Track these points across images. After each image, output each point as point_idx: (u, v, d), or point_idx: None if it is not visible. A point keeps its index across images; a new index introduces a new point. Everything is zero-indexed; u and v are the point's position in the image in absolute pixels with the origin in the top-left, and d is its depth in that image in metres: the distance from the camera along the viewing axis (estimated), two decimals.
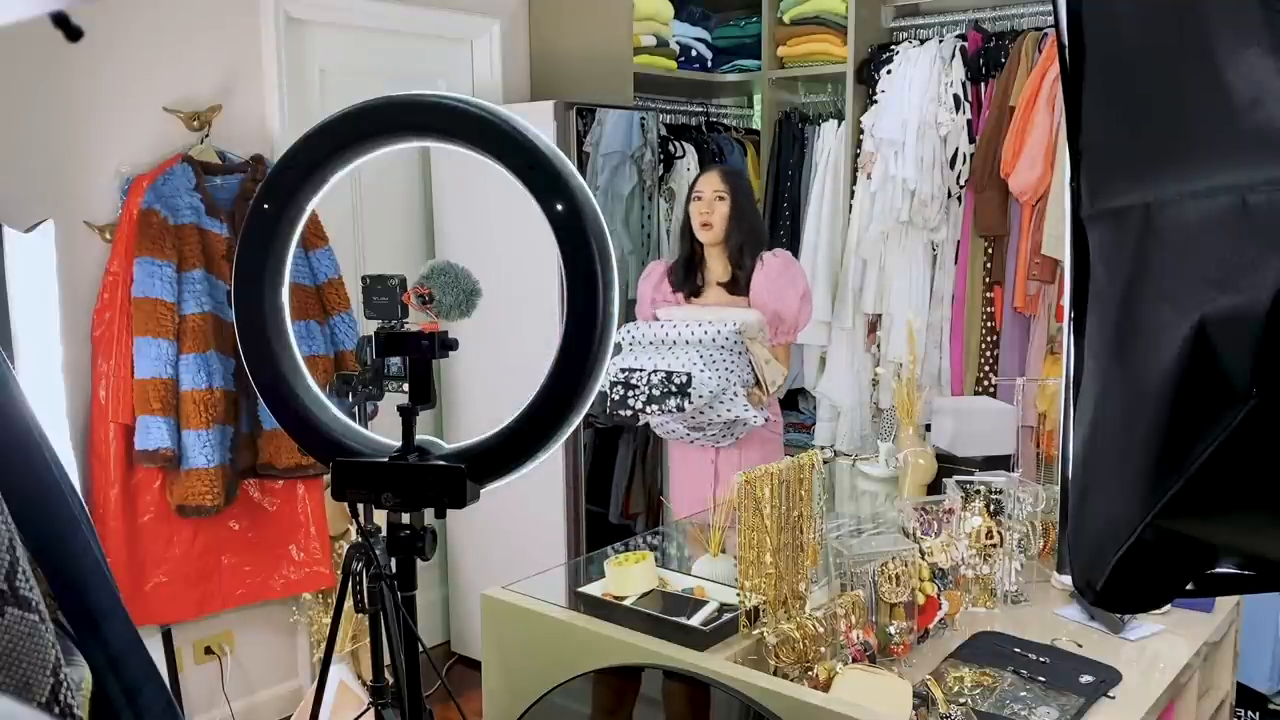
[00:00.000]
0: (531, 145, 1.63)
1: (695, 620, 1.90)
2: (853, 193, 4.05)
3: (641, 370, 2.88)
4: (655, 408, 2.86)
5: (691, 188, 3.14)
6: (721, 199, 3.03)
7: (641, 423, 3.07)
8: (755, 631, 1.87)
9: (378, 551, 1.79)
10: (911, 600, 2.00)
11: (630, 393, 2.88)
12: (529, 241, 3.20)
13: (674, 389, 2.82)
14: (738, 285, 3.06)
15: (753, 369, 2.95)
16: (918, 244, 3.87)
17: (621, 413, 2.93)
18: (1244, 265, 0.61)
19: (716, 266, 3.10)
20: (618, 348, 2.94)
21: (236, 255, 1.78)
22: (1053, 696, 1.84)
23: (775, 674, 1.80)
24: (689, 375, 2.81)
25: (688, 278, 3.13)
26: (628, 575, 2.04)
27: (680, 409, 2.84)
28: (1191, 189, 0.67)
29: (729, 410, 2.87)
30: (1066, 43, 0.82)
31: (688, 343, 2.92)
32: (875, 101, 3.91)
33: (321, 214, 3.18)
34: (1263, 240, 0.61)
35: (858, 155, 4.04)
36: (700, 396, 2.81)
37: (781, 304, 3.01)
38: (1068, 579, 1.56)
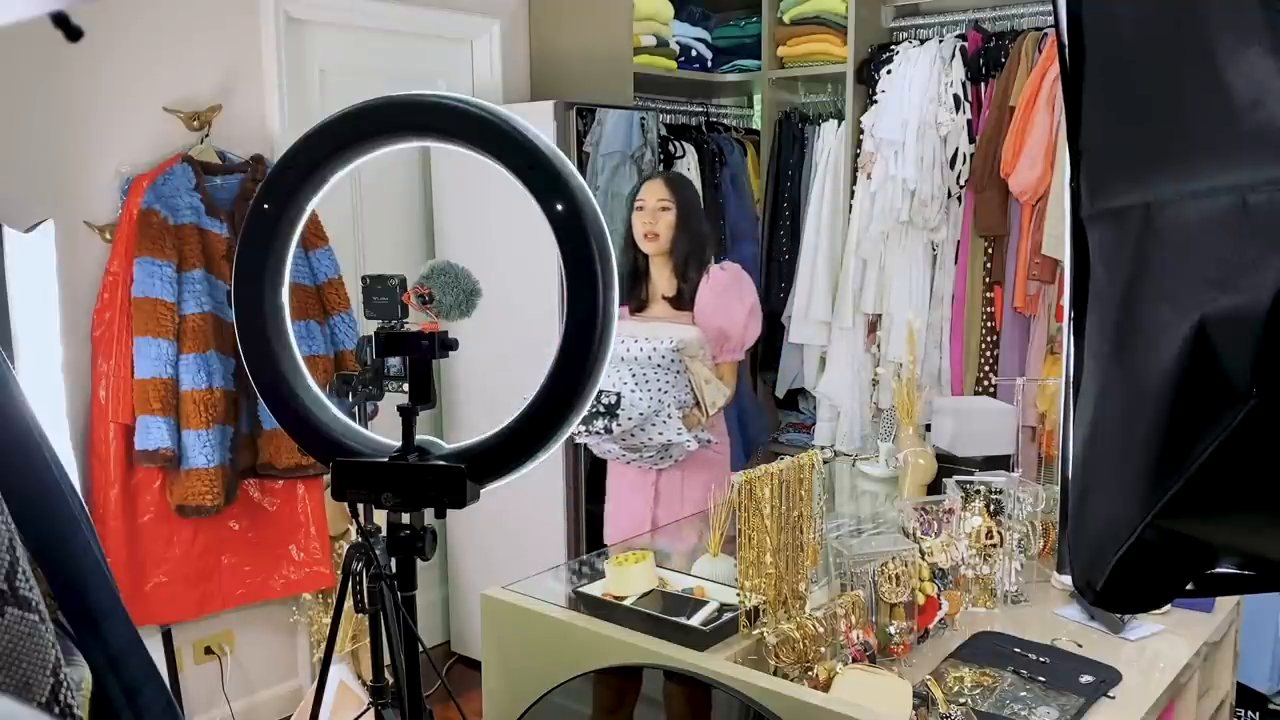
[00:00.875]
0: (531, 145, 1.63)
1: (695, 620, 1.90)
2: (853, 193, 4.05)
3: None
4: (583, 428, 2.68)
5: (633, 196, 2.97)
6: (666, 209, 2.87)
7: (578, 443, 2.85)
8: (755, 631, 1.87)
9: (378, 551, 1.79)
10: (911, 600, 2.00)
11: None
12: (529, 241, 3.20)
13: (602, 409, 2.65)
14: (683, 300, 2.90)
15: (692, 389, 2.79)
16: (918, 244, 3.87)
17: None
18: (1244, 265, 0.61)
19: (661, 279, 2.94)
20: None
21: (236, 255, 1.78)
22: (1053, 696, 1.84)
23: (775, 674, 1.80)
24: (618, 395, 2.66)
25: (633, 291, 2.95)
26: (628, 575, 2.04)
27: (608, 430, 2.68)
28: (1192, 189, 0.67)
29: (660, 433, 2.72)
30: (1066, 43, 0.82)
31: (622, 360, 2.72)
32: (875, 101, 3.91)
33: (321, 214, 3.18)
34: (1263, 240, 0.61)
35: (858, 155, 4.04)
36: (629, 418, 2.67)
37: (727, 320, 2.87)
38: (1068, 579, 1.56)
